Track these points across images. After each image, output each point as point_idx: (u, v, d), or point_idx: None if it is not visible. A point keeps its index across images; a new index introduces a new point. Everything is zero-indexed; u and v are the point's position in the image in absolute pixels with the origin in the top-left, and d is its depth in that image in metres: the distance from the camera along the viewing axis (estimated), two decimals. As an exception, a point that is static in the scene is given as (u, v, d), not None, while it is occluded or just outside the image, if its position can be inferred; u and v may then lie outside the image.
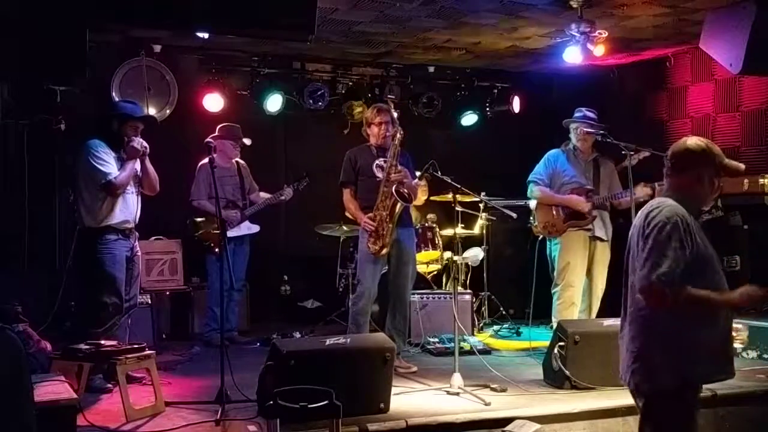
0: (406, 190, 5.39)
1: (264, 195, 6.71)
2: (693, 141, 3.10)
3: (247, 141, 6.66)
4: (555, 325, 5.85)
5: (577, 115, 6.01)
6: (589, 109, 6.01)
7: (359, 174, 5.57)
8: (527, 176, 6.65)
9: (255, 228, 6.65)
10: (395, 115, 5.64)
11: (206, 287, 6.72)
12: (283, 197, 6.62)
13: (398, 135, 5.40)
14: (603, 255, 5.93)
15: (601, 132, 5.81)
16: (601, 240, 5.92)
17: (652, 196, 5.59)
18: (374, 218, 5.40)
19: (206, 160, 6.23)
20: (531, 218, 6.49)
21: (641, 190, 5.57)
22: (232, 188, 6.56)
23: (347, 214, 5.82)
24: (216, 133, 6.38)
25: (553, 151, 6.12)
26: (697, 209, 3.11)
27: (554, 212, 5.98)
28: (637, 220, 3.07)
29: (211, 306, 6.45)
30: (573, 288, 5.86)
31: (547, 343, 5.29)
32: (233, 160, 6.63)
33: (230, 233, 6.07)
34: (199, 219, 6.41)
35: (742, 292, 2.92)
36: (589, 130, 5.87)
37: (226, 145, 6.48)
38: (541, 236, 6.20)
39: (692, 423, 3.00)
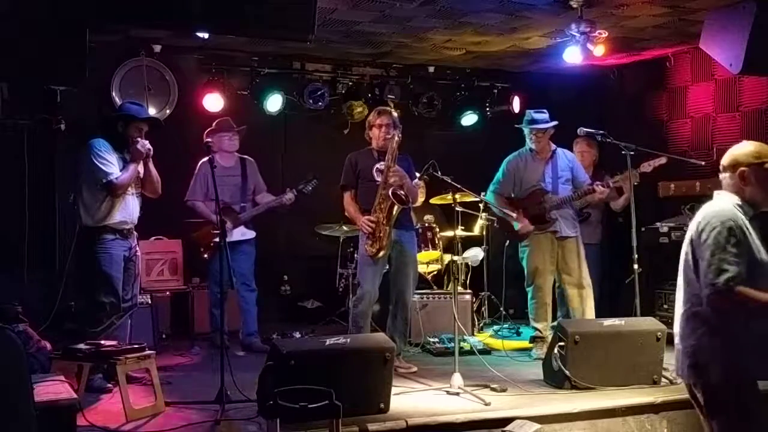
0: (402, 192, 5.39)
1: (269, 197, 6.37)
2: (739, 145, 3.19)
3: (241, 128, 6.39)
4: (531, 324, 6.04)
5: (525, 119, 6.04)
6: (537, 110, 6.04)
7: (359, 177, 5.57)
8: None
9: (249, 234, 6.28)
10: (397, 118, 5.63)
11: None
12: (284, 201, 6.21)
13: (396, 138, 5.40)
14: (574, 250, 5.92)
15: (601, 132, 5.83)
16: (570, 237, 5.93)
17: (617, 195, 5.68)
18: (372, 220, 5.40)
19: (206, 158, 6.17)
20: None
21: (597, 195, 5.73)
22: (231, 189, 6.21)
23: (347, 215, 5.79)
24: (211, 128, 6.28)
25: (509, 158, 6.15)
26: (754, 211, 3.12)
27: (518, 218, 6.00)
28: (693, 221, 3.14)
29: (211, 308, 6.30)
30: (543, 290, 5.92)
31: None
32: (237, 157, 6.35)
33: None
34: (191, 221, 6.26)
35: None
36: (539, 127, 5.95)
37: (222, 140, 6.19)
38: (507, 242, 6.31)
39: (750, 419, 2.99)
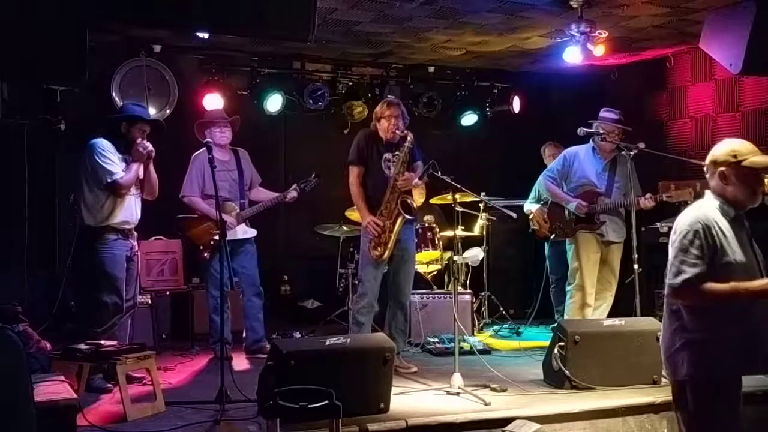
0: (410, 200, 5.41)
1: (265, 192, 6.20)
2: (719, 145, 3.22)
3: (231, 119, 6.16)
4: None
5: (610, 116, 5.92)
6: (608, 109, 5.98)
7: (368, 162, 5.49)
8: (527, 176, 6.68)
9: (251, 232, 6.06)
10: (405, 110, 5.57)
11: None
12: (287, 199, 6.05)
13: (408, 140, 5.37)
14: (616, 256, 5.96)
15: (601, 132, 5.87)
16: (614, 242, 5.94)
17: (654, 208, 5.64)
18: (378, 224, 5.37)
19: (200, 151, 5.86)
20: (531, 223, 6.53)
21: (644, 202, 5.59)
22: (228, 185, 5.97)
23: (351, 192, 5.55)
24: (200, 120, 6.16)
25: (570, 150, 6.11)
26: (738, 210, 3.15)
27: (566, 214, 6.00)
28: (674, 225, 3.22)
29: (210, 314, 5.91)
30: (585, 289, 5.90)
31: (547, 343, 5.30)
32: (229, 149, 6.09)
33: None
34: (187, 217, 5.98)
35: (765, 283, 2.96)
36: (621, 128, 5.87)
37: (213, 132, 5.96)
38: (549, 238, 6.28)
39: (720, 416, 3.07)
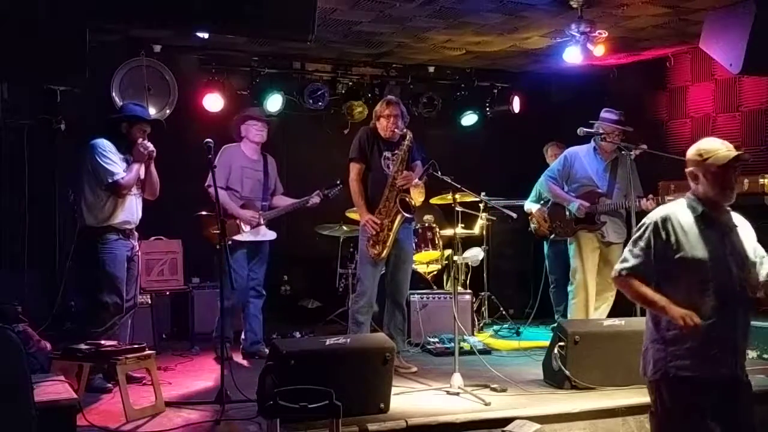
0: (409, 198, 5.41)
1: (286, 199, 6.17)
2: (691, 147, 3.27)
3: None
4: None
5: (611, 117, 5.90)
6: (608, 110, 5.96)
7: (369, 159, 5.48)
8: (527, 176, 6.68)
9: (271, 235, 6.06)
10: (405, 109, 5.59)
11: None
12: (309, 204, 5.99)
13: (407, 138, 5.39)
14: (616, 257, 5.90)
15: (601, 133, 5.87)
16: (615, 243, 5.93)
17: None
18: (377, 222, 5.37)
19: (229, 144, 5.92)
20: (531, 222, 6.53)
21: (645, 204, 5.57)
22: (252, 184, 5.97)
23: (351, 189, 5.55)
24: (240, 115, 6.14)
25: (571, 150, 6.11)
26: (711, 207, 3.18)
27: (567, 214, 5.99)
28: None
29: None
30: (587, 289, 5.90)
31: (547, 343, 5.30)
32: (260, 153, 6.07)
33: (244, 237, 5.77)
34: (206, 214, 5.93)
35: (682, 313, 3.02)
36: (621, 129, 5.86)
37: (249, 128, 5.96)
38: (549, 237, 6.28)
39: (674, 419, 3.15)
